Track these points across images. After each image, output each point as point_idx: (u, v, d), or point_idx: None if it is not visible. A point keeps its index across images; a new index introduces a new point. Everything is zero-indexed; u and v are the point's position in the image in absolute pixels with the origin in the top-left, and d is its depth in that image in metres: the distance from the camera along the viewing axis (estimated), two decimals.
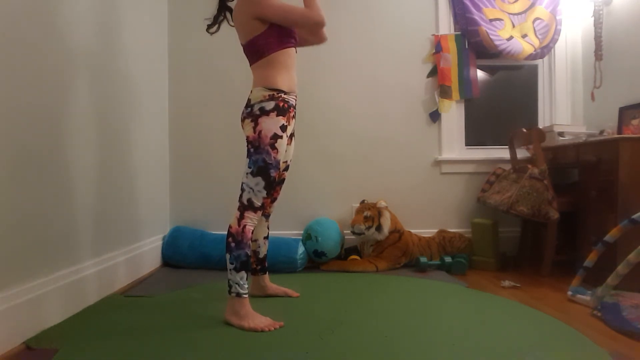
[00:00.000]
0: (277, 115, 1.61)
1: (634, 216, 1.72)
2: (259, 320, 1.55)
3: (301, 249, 2.50)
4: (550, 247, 2.36)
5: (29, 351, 1.34)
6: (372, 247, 2.58)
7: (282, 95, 1.64)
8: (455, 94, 2.91)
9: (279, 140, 1.60)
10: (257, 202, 1.61)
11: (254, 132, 1.61)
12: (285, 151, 1.69)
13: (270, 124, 1.59)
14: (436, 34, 2.91)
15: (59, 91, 1.62)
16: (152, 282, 2.23)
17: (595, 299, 1.77)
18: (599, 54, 2.72)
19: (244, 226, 1.58)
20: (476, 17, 2.83)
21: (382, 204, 2.62)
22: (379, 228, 2.52)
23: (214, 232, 2.67)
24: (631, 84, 2.50)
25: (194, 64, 2.84)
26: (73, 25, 1.71)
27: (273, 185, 1.66)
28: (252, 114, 1.63)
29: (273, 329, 1.51)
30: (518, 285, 2.16)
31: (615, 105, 2.61)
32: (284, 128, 1.62)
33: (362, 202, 2.70)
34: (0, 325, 1.31)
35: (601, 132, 2.55)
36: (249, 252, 1.60)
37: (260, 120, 1.60)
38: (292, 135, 1.83)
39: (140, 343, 1.39)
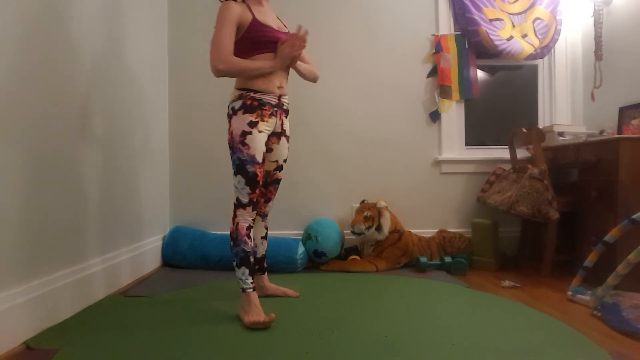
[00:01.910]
0: (244, 113, 1.66)
1: (634, 216, 1.72)
2: (254, 315, 1.57)
3: (301, 249, 2.50)
4: (550, 247, 2.36)
5: (29, 351, 1.34)
6: (372, 247, 2.58)
7: (251, 94, 1.69)
8: (455, 94, 2.92)
9: (248, 137, 1.65)
10: (244, 199, 1.67)
11: (229, 132, 1.69)
12: (260, 147, 1.67)
13: (238, 122, 1.66)
14: (436, 34, 2.91)
15: (59, 92, 1.62)
16: (152, 282, 2.23)
17: (595, 299, 1.77)
18: (599, 54, 2.72)
19: (237, 224, 1.67)
20: (476, 17, 2.83)
21: (382, 204, 2.62)
22: (379, 228, 2.52)
23: (214, 232, 2.67)
24: (631, 84, 2.50)
25: (194, 64, 2.84)
26: (74, 25, 1.71)
27: (256, 181, 1.67)
28: (228, 115, 1.72)
29: (264, 321, 1.52)
30: (518, 285, 2.16)
31: (615, 105, 2.61)
32: (252, 124, 1.66)
33: (362, 202, 2.70)
34: (0, 325, 1.31)
35: (601, 132, 2.55)
36: (246, 249, 1.65)
37: (231, 120, 1.69)
38: (281, 134, 1.83)
39: (140, 343, 1.39)
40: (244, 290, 1.65)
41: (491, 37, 2.81)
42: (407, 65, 2.93)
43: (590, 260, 1.93)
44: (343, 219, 2.84)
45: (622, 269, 1.65)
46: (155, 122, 2.61)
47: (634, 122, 2.44)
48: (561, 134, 2.59)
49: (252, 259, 1.69)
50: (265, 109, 1.71)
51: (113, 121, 2.06)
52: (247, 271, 1.66)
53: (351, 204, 2.86)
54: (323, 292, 2.02)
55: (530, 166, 2.43)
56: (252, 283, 1.67)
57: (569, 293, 1.94)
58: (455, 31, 2.93)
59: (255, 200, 1.70)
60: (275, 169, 1.87)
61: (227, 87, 2.86)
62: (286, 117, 1.85)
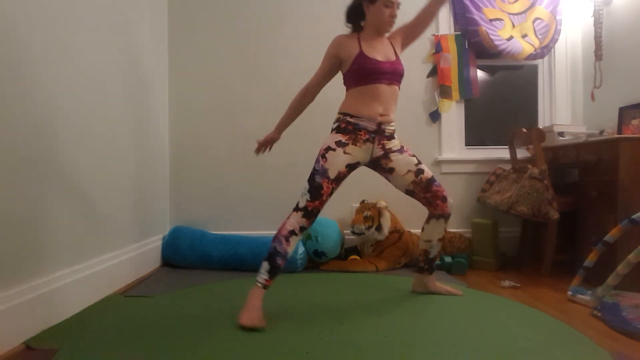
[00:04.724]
0: (337, 133, 1.80)
1: (634, 216, 1.72)
2: (248, 315, 1.54)
3: (301, 249, 2.50)
4: (550, 247, 2.36)
5: (29, 351, 1.34)
6: (372, 247, 2.58)
7: (348, 118, 1.81)
8: (455, 94, 2.92)
9: (330, 152, 1.75)
10: (301, 204, 1.71)
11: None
12: (337, 165, 1.73)
13: (329, 139, 1.80)
14: (436, 34, 2.91)
15: (59, 92, 1.62)
16: (152, 282, 2.23)
17: (595, 299, 1.77)
18: (599, 54, 2.72)
19: (284, 223, 1.70)
20: (476, 17, 2.83)
21: (382, 204, 2.62)
22: (379, 228, 2.51)
23: (214, 232, 2.67)
24: (631, 84, 2.50)
25: (194, 64, 2.84)
26: (71, 25, 1.71)
27: (319, 193, 1.70)
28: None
29: (253, 325, 1.51)
30: (518, 285, 2.16)
31: (615, 105, 2.61)
32: (340, 144, 1.76)
33: (362, 202, 2.70)
34: (0, 325, 1.30)
35: (601, 132, 2.55)
36: (278, 248, 1.64)
37: (328, 135, 1.83)
38: (388, 153, 1.83)
39: (140, 343, 1.39)
40: (256, 282, 1.64)
41: (491, 37, 2.81)
42: (407, 65, 2.86)
43: (590, 260, 1.93)
44: (343, 219, 2.83)
45: (622, 269, 1.65)
46: (155, 122, 2.61)
47: (634, 122, 2.44)
48: (561, 134, 2.59)
49: (280, 261, 1.64)
50: (360, 134, 1.79)
51: (113, 121, 2.06)
52: (268, 267, 1.63)
53: (351, 204, 2.86)
54: (323, 292, 2.02)
55: (530, 166, 2.43)
56: (265, 281, 1.62)
57: (569, 293, 1.94)
58: (455, 31, 2.93)
59: (311, 209, 1.69)
60: (417, 175, 1.83)
61: (227, 86, 2.89)
62: (389, 139, 1.86)
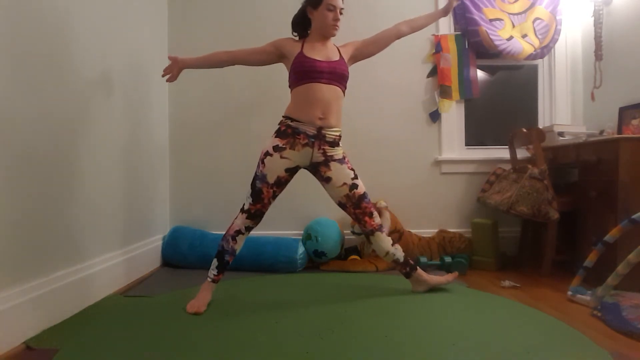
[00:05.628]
0: (276, 137, 1.81)
1: (634, 216, 1.72)
2: (193, 303, 1.73)
3: (301, 249, 2.50)
4: (550, 247, 2.36)
5: (29, 351, 1.34)
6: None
7: (289, 122, 1.81)
8: (455, 94, 2.92)
9: (267, 157, 1.79)
10: (245, 206, 1.81)
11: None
12: (276, 171, 1.77)
13: (268, 143, 1.82)
14: (436, 34, 2.92)
15: (59, 92, 1.62)
16: (152, 282, 2.23)
17: (595, 299, 1.77)
18: (599, 54, 2.72)
19: (232, 223, 1.83)
20: (476, 17, 2.83)
21: (382, 204, 2.62)
22: None
23: (214, 232, 2.67)
24: (631, 84, 2.50)
25: None
26: (71, 24, 1.71)
27: (260, 197, 1.79)
28: None
29: (193, 312, 1.68)
30: (518, 285, 2.16)
31: (615, 105, 2.61)
32: (277, 149, 1.78)
33: None
34: (0, 325, 1.31)
35: (601, 132, 2.55)
36: (225, 246, 1.79)
37: (269, 138, 1.84)
38: (328, 161, 1.84)
39: (140, 343, 1.39)
40: (207, 277, 1.81)
41: (491, 37, 2.81)
42: (407, 65, 2.92)
43: (590, 260, 1.93)
44: (343, 219, 2.83)
45: (622, 269, 1.65)
46: (155, 122, 2.61)
47: (634, 122, 2.44)
48: (561, 134, 2.59)
49: (228, 258, 1.79)
50: (299, 138, 1.79)
51: (113, 121, 2.06)
52: (217, 264, 1.80)
53: None
54: (323, 292, 2.02)
55: (530, 166, 2.43)
56: (215, 276, 1.79)
57: (569, 293, 1.94)
58: (455, 31, 2.93)
59: (254, 212, 1.79)
60: (351, 189, 1.86)
61: (227, 86, 2.89)
62: (331, 146, 1.84)
